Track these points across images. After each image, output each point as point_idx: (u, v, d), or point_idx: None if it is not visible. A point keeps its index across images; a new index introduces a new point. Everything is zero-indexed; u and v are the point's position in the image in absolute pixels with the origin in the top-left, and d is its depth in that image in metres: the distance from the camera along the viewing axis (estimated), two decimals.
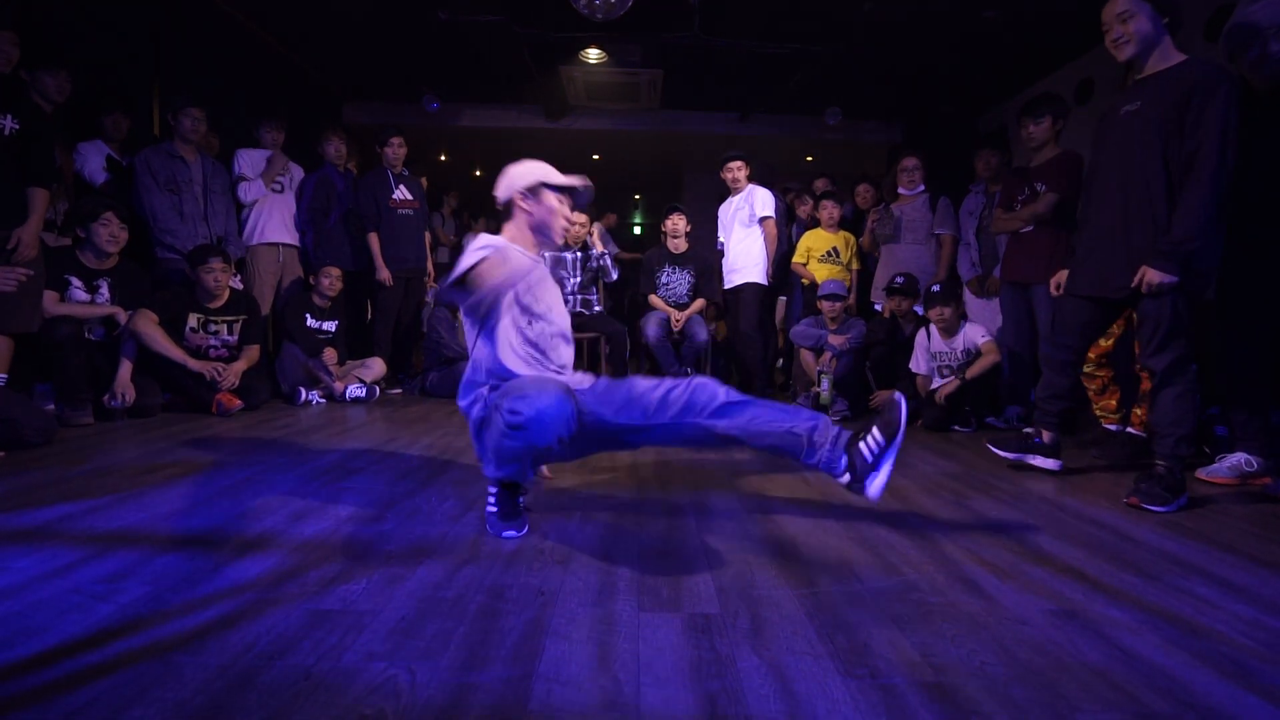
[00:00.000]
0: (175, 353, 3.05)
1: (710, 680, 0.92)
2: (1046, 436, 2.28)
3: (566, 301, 4.18)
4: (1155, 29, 1.89)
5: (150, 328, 2.99)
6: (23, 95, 2.67)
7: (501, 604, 1.15)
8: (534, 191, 1.69)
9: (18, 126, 2.52)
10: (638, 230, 12.29)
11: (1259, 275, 2.09)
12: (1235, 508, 1.90)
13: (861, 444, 1.50)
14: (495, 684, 0.90)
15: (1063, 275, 2.33)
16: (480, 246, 1.56)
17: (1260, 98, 2.07)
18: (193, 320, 3.21)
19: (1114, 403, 2.70)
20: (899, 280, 3.64)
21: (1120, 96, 2.03)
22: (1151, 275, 1.87)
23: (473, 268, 1.51)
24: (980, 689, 0.91)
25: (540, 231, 1.71)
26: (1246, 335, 2.14)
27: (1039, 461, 2.27)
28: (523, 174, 1.70)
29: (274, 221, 3.92)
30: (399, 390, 4.18)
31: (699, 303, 4.19)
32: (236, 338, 3.34)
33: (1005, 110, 5.40)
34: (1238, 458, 2.17)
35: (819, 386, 3.63)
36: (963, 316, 3.36)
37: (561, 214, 1.71)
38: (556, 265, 4.21)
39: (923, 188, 3.98)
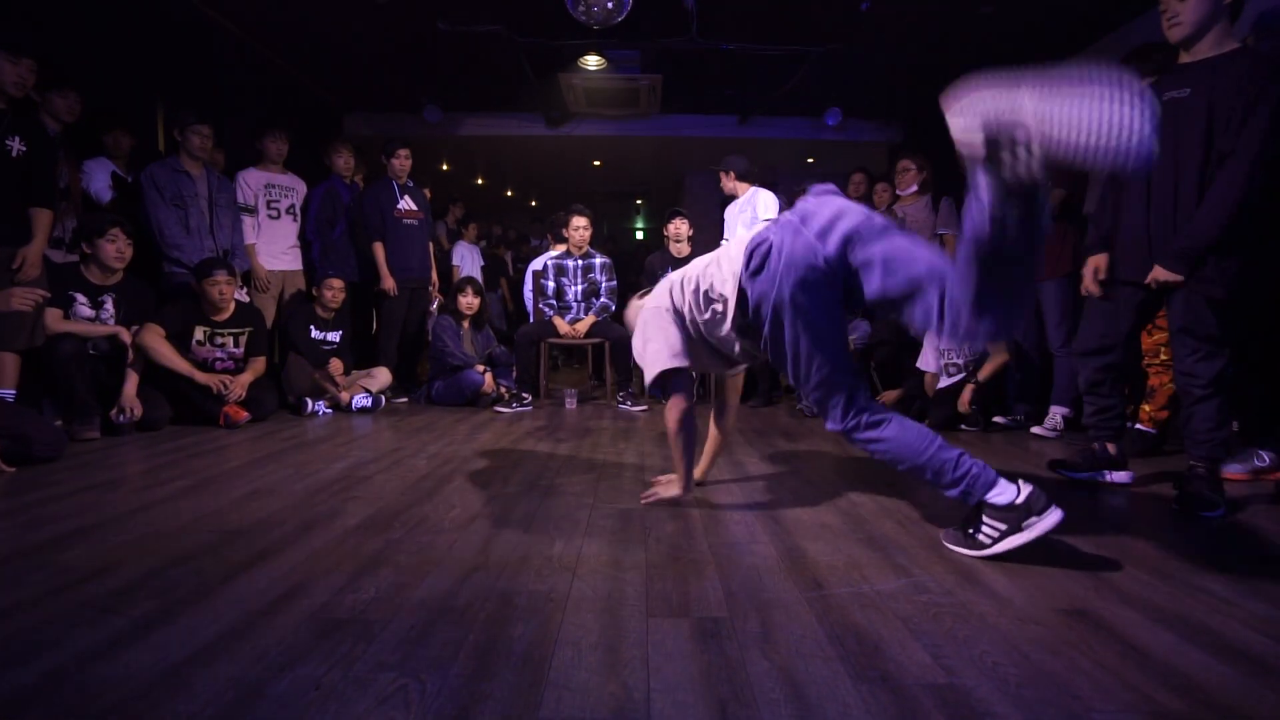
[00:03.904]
0: (182, 366, 3.07)
1: (720, 685, 0.91)
2: (1112, 449, 2.09)
3: (569, 308, 4.21)
4: (1215, 9, 1.71)
5: (157, 342, 3.01)
6: (32, 117, 2.71)
7: (510, 611, 1.14)
8: None
9: (25, 149, 2.56)
10: (640, 235, 12.32)
11: (1273, 267, 2.06)
12: (1248, 503, 1.89)
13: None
14: (505, 692, 0.90)
15: (1102, 262, 2.02)
16: None
17: None
18: (199, 333, 3.23)
19: None
20: None
21: (1167, 78, 1.85)
22: (1159, 273, 1.81)
23: None
24: (993, 690, 0.90)
25: None
26: (1258, 330, 2.12)
27: (1113, 477, 2.09)
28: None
29: (274, 249, 3.96)
30: (405, 400, 4.20)
31: None
32: (243, 350, 3.36)
33: None
34: (1250, 453, 2.15)
35: None
36: None
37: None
38: (559, 273, 4.22)
39: (916, 188, 3.97)
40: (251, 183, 3.89)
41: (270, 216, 3.95)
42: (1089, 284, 2.04)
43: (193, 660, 0.97)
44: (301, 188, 4.11)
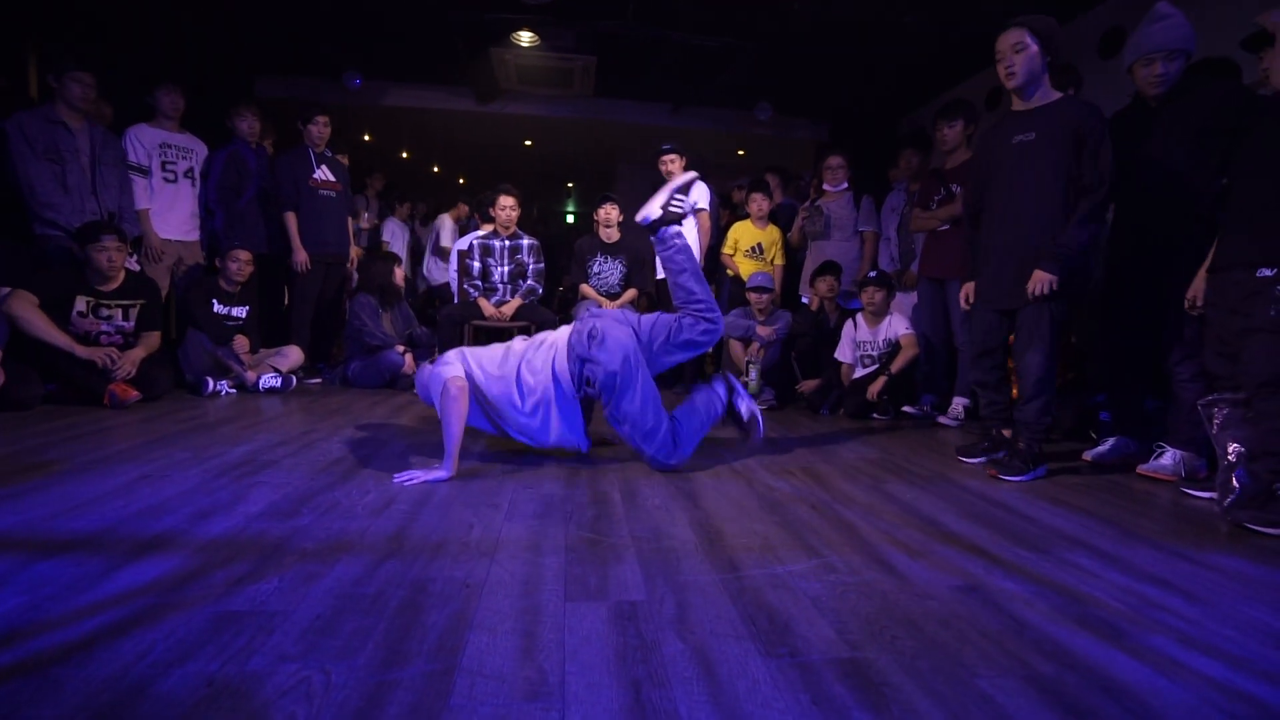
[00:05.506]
0: (59, 338, 2.78)
1: (635, 666, 0.93)
2: (1007, 432, 2.32)
3: (496, 290, 4.11)
4: (1041, 64, 2.12)
5: (28, 310, 2.71)
6: None
7: (424, 598, 1.11)
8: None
9: None
10: (570, 219, 12.17)
11: (1141, 269, 2.29)
12: (1116, 486, 2.10)
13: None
14: (416, 680, 0.87)
15: (970, 288, 2.44)
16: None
17: (1150, 106, 2.26)
18: (81, 304, 2.93)
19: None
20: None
21: (1007, 125, 2.24)
22: (1040, 275, 2.10)
23: None
24: (891, 662, 0.96)
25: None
26: (1128, 327, 2.34)
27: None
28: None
29: (171, 216, 3.63)
30: (318, 380, 3.98)
31: (631, 292, 4.19)
32: (133, 324, 3.07)
33: (925, 113, 5.67)
34: (1120, 441, 2.38)
35: (747, 376, 3.72)
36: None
37: None
38: (485, 253, 4.11)
39: (846, 185, 4.13)
40: (145, 140, 3.54)
41: (166, 180, 3.61)
42: (963, 306, 2.50)
43: (64, 660, 0.89)
44: (201, 150, 3.78)
